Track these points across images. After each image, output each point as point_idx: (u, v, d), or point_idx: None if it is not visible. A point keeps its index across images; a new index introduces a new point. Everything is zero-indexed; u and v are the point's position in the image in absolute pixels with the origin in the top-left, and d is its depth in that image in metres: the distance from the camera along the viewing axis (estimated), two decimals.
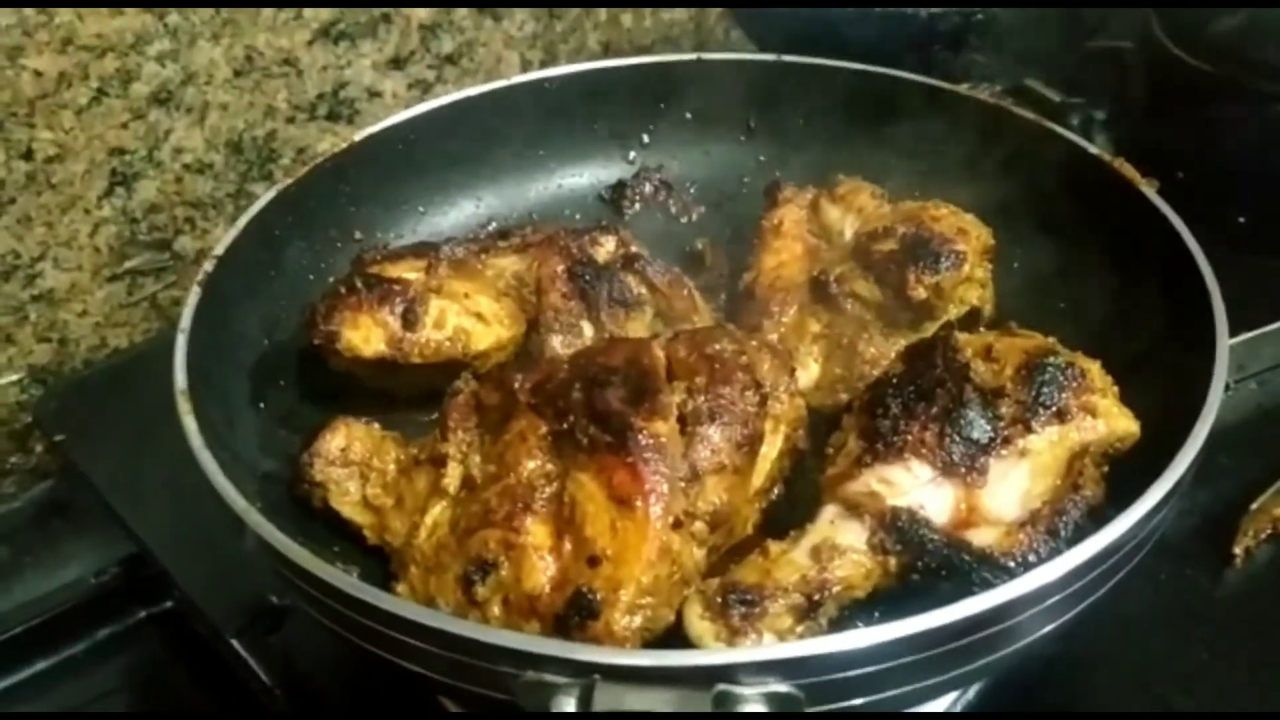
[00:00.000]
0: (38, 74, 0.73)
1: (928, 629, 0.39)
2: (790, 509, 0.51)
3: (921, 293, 0.55)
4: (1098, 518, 0.46)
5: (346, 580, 0.41)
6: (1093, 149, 0.60)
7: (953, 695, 0.54)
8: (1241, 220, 0.83)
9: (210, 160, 0.83)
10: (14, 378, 0.80)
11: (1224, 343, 0.50)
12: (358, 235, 0.65)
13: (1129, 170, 0.58)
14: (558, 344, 0.56)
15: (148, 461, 0.69)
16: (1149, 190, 0.57)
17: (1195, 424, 0.46)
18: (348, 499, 0.49)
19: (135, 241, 0.82)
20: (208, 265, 0.55)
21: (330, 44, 0.85)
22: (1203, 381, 0.48)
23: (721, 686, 0.37)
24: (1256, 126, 0.92)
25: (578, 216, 0.70)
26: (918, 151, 0.66)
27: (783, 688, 0.38)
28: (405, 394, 0.57)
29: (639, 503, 0.43)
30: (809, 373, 0.56)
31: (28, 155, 0.75)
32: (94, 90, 0.76)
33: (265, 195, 0.60)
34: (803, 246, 0.61)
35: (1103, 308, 0.57)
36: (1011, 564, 0.44)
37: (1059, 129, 0.62)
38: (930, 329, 0.56)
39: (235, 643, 0.59)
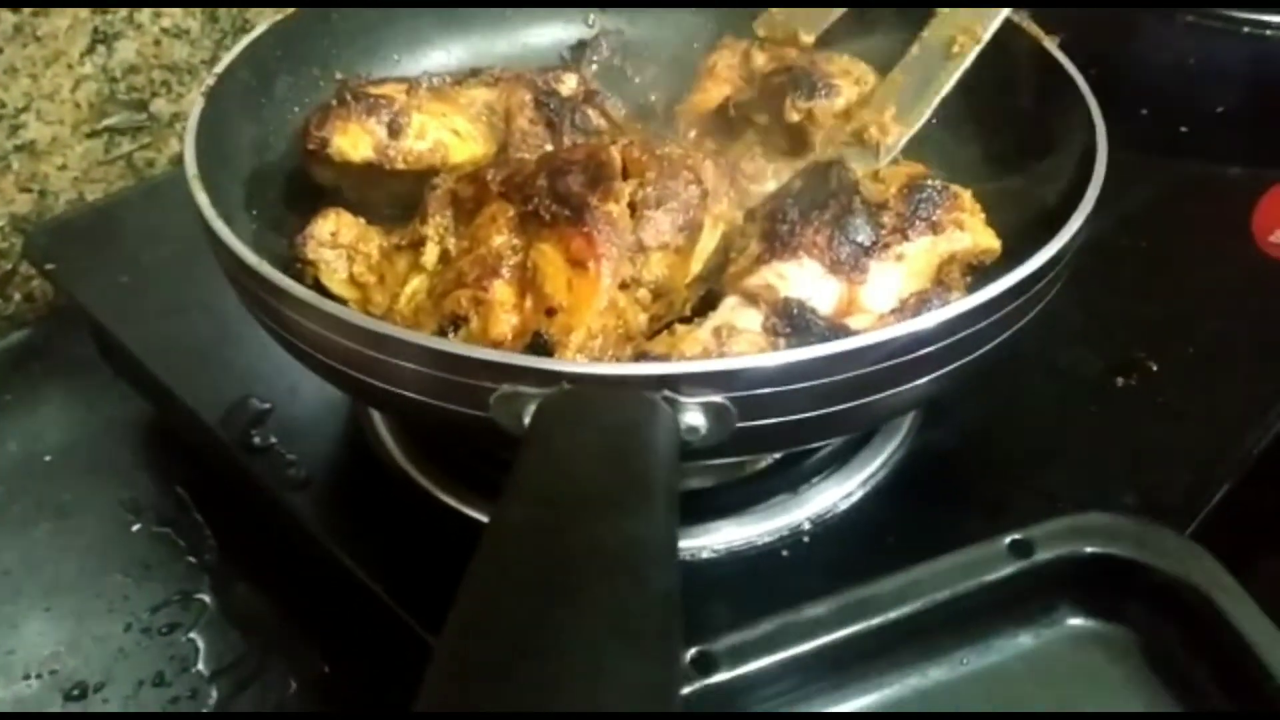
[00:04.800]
0: None
1: (831, 353, 0.48)
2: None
3: (795, 116, 0.66)
4: None
5: (352, 313, 0.50)
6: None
7: (861, 476, 0.64)
8: (1144, 112, 0.94)
9: (187, 26, 0.90)
10: None
11: (1099, 175, 0.60)
12: (338, 76, 0.73)
13: (1033, 27, 0.69)
14: None
15: (134, 289, 0.77)
16: (1050, 44, 0.68)
17: (1071, 216, 0.56)
18: (336, 276, 0.58)
19: (114, 100, 0.89)
20: (209, 80, 0.64)
21: None
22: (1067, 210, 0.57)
23: (667, 393, 0.47)
24: (1166, 33, 1.03)
25: None
26: (857, 25, 0.76)
27: (717, 398, 0.47)
28: (384, 206, 0.66)
29: (592, 264, 0.53)
30: None
31: (14, 6, 0.82)
32: None
33: (258, 28, 0.68)
34: (731, 87, 0.71)
35: (995, 150, 0.68)
36: None
37: None
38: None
39: (227, 440, 0.68)
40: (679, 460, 0.44)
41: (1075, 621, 0.52)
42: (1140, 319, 0.76)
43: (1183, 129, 0.93)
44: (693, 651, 0.47)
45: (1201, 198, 0.87)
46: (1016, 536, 0.51)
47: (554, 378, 0.47)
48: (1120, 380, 0.72)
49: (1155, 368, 0.72)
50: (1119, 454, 0.67)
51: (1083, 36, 0.98)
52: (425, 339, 0.49)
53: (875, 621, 0.49)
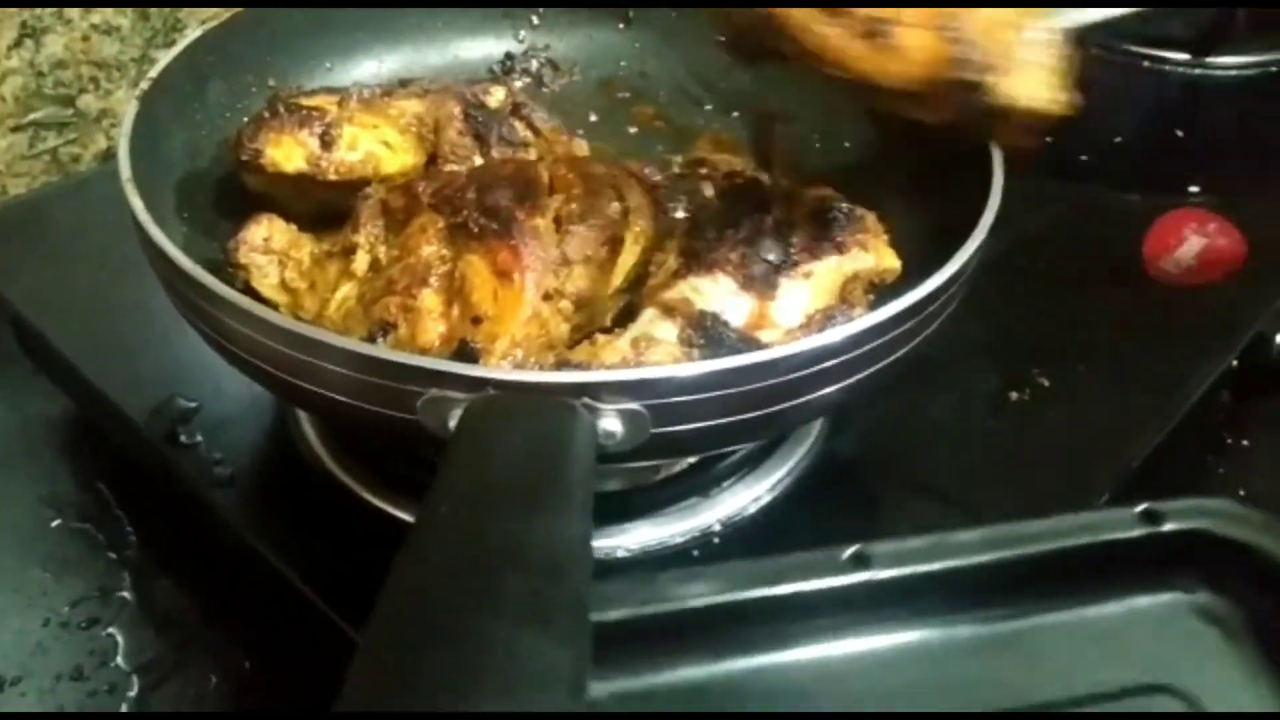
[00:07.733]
0: None
1: (742, 365, 0.52)
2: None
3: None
4: None
5: (285, 319, 0.52)
6: None
7: (769, 481, 0.68)
8: (1047, 140, 0.99)
9: (118, 24, 0.91)
10: None
11: (994, 203, 0.64)
12: (271, 83, 0.75)
13: None
14: None
15: (59, 284, 0.79)
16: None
17: (967, 239, 0.60)
18: (267, 281, 0.61)
19: (40, 95, 0.90)
20: (144, 84, 0.65)
21: None
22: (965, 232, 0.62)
23: (587, 400, 0.50)
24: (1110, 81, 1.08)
25: None
26: None
27: (633, 405, 0.51)
28: (314, 214, 0.68)
29: (517, 276, 0.56)
30: None
31: None
32: None
33: (193, 33, 0.70)
34: None
35: (900, 173, 0.72)
36: None
37: None
38: None
39: (152, 437, 0.69)
40: (595, 464, 0.47)
41: (1192, 593, 0.53)
42: (1035, 337, 0.81)
43: (1083, 157, 0.99)
44: (852, 549, 0.49)
45: (1097, 223, 0.93)
46: (1148, 506, 0.53)
47: (480, 384, 0.50)
48: (1014, 394, 0.77)
49: (1047, 383, 0.77)
50: (1008, 462, 0.72)
51: None
52: (356, 344, 0.51)
53: (1012, 553, 0.51)
